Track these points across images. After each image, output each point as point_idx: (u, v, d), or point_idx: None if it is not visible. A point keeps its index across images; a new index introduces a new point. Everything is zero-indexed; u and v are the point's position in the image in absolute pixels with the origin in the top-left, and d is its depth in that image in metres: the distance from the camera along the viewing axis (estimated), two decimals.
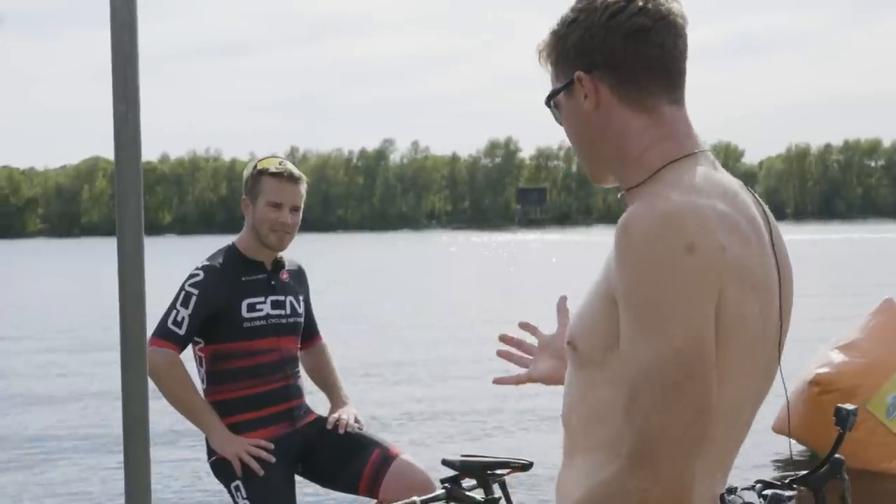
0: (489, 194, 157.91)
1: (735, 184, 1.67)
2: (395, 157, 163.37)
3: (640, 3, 1.65)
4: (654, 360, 1.48)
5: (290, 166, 3.85)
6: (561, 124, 1.75)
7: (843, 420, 2.91)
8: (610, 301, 1.57)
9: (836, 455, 2.93)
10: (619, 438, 1.53)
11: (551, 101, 1.73)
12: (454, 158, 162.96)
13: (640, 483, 1.47)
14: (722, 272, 1.51)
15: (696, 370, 1.48)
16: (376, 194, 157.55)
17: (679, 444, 1.48)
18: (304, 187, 3.87)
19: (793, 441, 7.04)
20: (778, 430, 6.89)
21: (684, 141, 1.67)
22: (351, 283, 28.52)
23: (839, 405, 2.96)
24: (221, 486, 3.78)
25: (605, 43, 1.64)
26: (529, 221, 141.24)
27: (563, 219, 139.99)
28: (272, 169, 3.80)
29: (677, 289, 1.48)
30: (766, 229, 1.67)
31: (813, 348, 7.61)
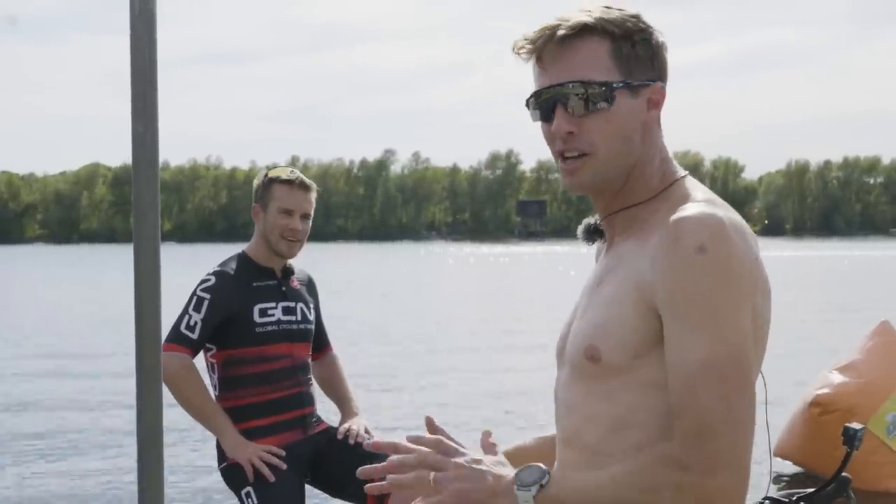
0: (489, 206, 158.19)
1: None
2: (395, 168, 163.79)
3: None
4: (709, 357, 1.58)
5: (302, 175, 3.91)
6: (585, 109, 1.70)
7: (851, 439, 2.93)
8: (645, 308, 1.65)
9: (843, 473, 2.94)
10: (650, 441, 1.65)
11: (616, 87, 1.70)
12: (455, 170, 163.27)
13: (720, 481, 1.55)
14: (757, 280, 1.65)
15: (744, 368, 1.60)
16: (376, 204, 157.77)
17: (745, 438, 1.59)
18: (314, 195, 3.94)
19: (792, 464, 7.06)
20: (779, 454, 6.90)
21: (675, 162, 1.82)
22: (349, 293, 28.54)
23: (847, 424, 2.98)
24: (232, 493, 3.79)
25: (666, 64, 1.77)
26: (529, 234, 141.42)
27: (562, 232, 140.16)
28: (283, 176, 3.87)
29: (731, 294, 1.59)
30: None
31: (807, 366, 7.63)
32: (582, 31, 1.71)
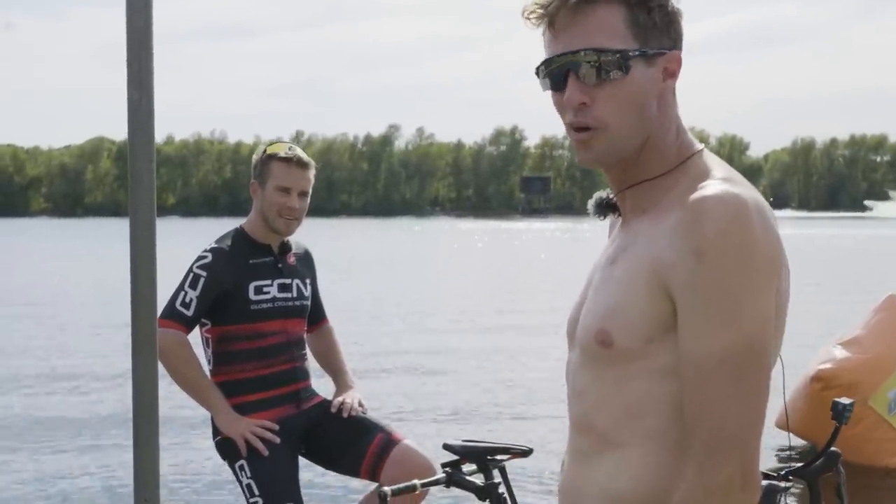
0: (493, 182, 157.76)
1: None
2: (399, 143, 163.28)
3: None
4: (726, 349, 1.53)
5: (300, 151, 3.88)
6: (598, 78, 1.62)
7: (840, 414, 2.95)
8: (659, 290, 1.58)
9: (833, 448, 2.96)
10: (663, 429, 1.60)
11: (632, 55, 1.62)
12: (459, 146, 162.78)
13: (725, 474, 1.52)
14: (780, 261, 1.58)
15: (763, 358, 1.55)
16: (380, 180, 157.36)
17: (753, 428, 1.55)
18: (312, 173, 3.91)
19: (794, 436, 7.05)
20: (780, 425, 6.91)
21: (690, 135, 1.72)
22: (353, 269, 28.53)
23: (836, 399, 3.00)
24: (226, 466, 3.81)
25: (681, 31, 1.69)
26: (533, 210, 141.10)
27: (566, 208, 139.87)
28: (281, 154, 3.83)
29: (752, 279, 1.53)
30: None
31: (814, 344, 7.62)
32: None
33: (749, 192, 1.58)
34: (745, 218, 1.53)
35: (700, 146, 1.71)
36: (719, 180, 1.59)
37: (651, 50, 1.64)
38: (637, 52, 1.62)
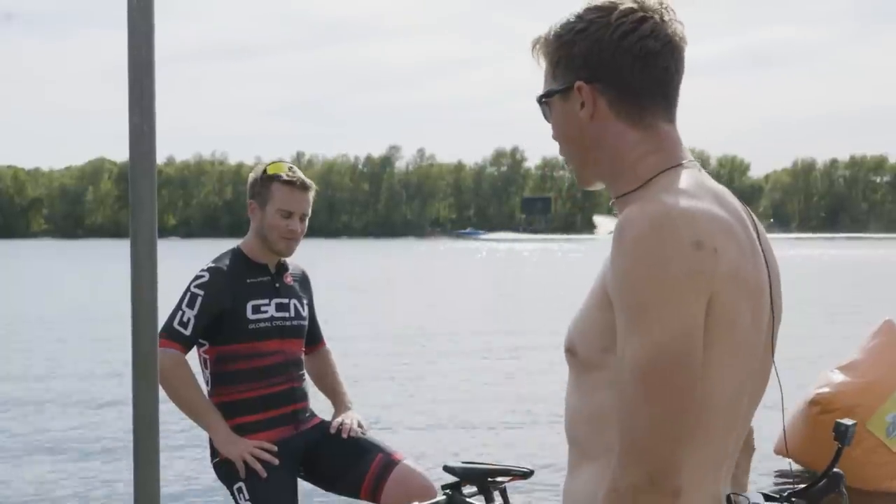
0: (494, 203, 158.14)
1: (723, 190, 1.72)
2: (400, 164, 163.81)
3: (651, 26, 1.69)
4: (638, 357, 1.53)
5: (301, 174, 3.87)
6: (549, 122, 1.79)
7: (842, 435, 2.93)
8: (606, 303, 1.61)
9: (836, 469, 2.94)
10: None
11: (544, 99, 1.77)
12: (460, 166, 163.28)
13: (630, 479, 1.52)
14: (713, 274, 1.55)
15: (678, 367, 1.53)
16: (381, 201, 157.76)
17: (663, 438, 1.52)
18: (312, 194, 3.90)
19: (793, 462, 7.04)
20: (779, 451, 6.89)
21: (675, 152, 1.72)
22: (356, 289, 28.54)
23: (838, 420, 2.98)
24: (224, 488, 3.80)
25: (613, 60, 1.69)
26: (534, 231, 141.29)
27: (567, 228, 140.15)
28: (284, 176, 3.81)
29: (664, 289, 1.52)
30: (754, 232, 1.71)
31: (814, 364, 7.62)
32: (540, 45, 1.77)
33: (687, 203, 1.58)
34: (662, 229, 1.54)
35: (676, 162, 1.70)
36: (663, 192, 1.61)
37: (557, 87, 1.74)
38: (548, 94, 1.75)
